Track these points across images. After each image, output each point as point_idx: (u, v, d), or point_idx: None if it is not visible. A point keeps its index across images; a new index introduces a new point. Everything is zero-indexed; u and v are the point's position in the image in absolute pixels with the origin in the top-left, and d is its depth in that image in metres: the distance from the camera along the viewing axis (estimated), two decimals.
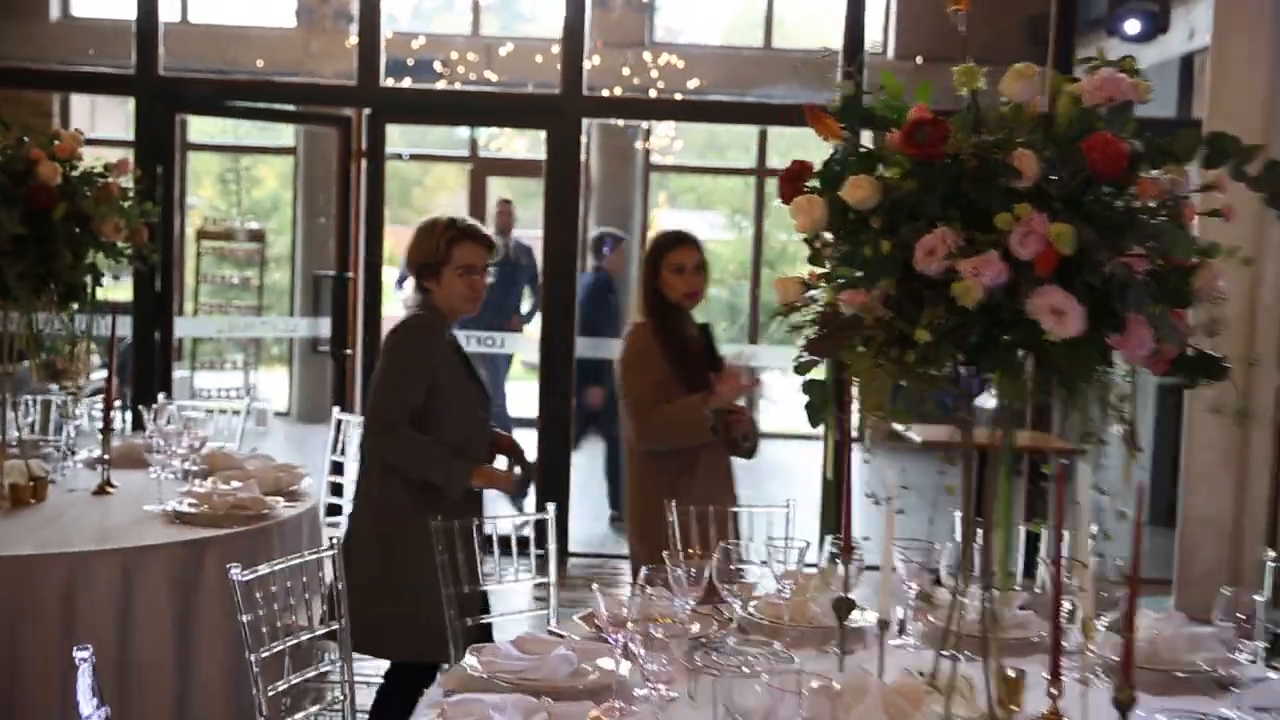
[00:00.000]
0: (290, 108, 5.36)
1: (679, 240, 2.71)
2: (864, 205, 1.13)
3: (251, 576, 1.69)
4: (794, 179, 1.23)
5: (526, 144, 8.34)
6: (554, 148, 4.66)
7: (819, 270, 1.24)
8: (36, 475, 2.52)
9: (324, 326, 5.30)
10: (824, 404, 1.28)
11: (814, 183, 1.21)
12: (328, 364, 5.58)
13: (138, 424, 3.45)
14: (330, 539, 2.12)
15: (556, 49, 4.68)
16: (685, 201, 9.96)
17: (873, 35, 7.61)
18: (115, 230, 2.41)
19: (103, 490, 2.64)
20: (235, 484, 2.55)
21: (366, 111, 4.75)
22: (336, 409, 3.61)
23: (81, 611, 2.07)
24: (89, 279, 2.47)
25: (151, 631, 2.15)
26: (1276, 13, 4.23)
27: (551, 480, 4.43)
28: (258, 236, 8.20)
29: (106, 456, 2.69)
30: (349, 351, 4.83)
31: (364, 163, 4.88)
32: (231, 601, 1.69)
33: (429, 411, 2.44)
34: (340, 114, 5.09)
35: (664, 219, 8.99)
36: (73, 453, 2.86)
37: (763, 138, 8.14)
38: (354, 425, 3.24)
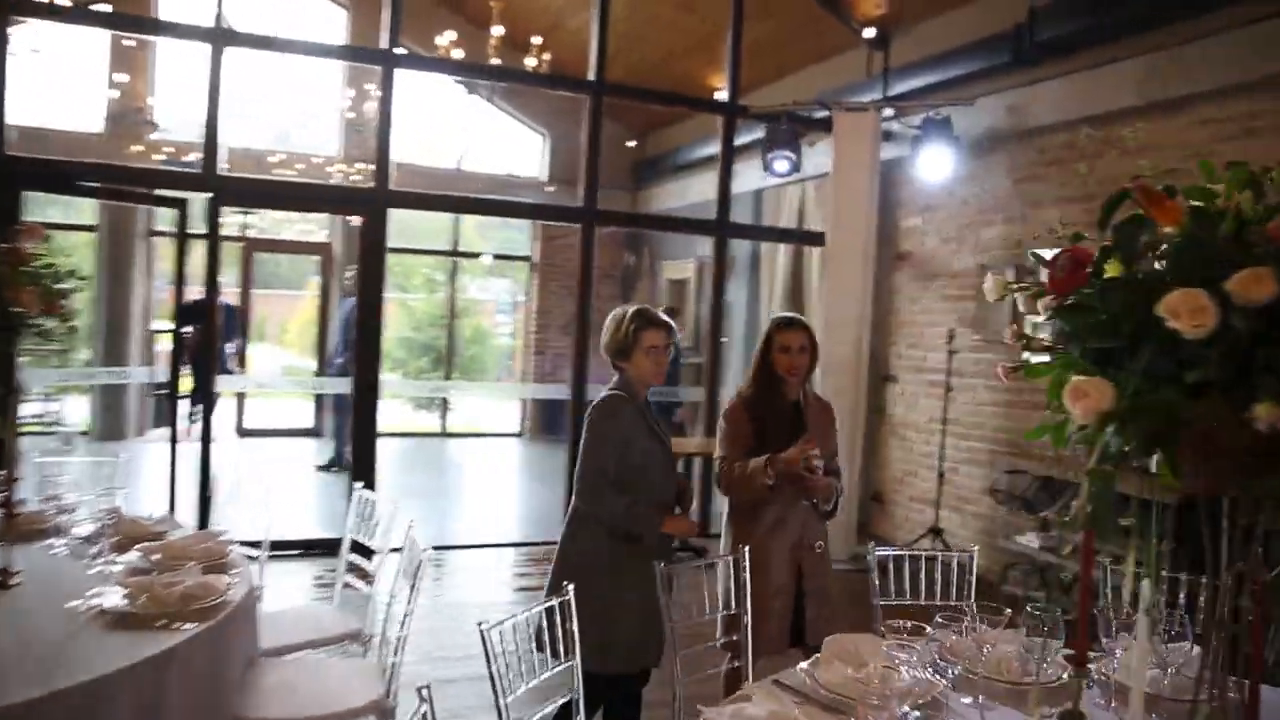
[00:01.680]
0: (138, 189, 6.33)
1: (789, 324, 3.14)
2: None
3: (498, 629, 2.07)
4: (1077, 268, 1.33)
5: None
6: (367, 228, 6.03)
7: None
8: None
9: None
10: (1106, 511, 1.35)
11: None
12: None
13: None
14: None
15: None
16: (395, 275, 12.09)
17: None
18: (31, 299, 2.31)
19: (3, 584, 2.21)
20: (166, 563, 2.49)
21: (207, 195, 5.86)
22: None
23: None
24: None
25: None
26: (873, 159, 6.47)
27: None
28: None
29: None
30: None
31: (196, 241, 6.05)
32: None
33: (625, 472, 2.88)
34: (179, 196, 6.15)
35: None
36: None
37: (456, 226, 11.12)
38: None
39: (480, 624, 2.09)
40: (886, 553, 2.95)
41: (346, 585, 3.54)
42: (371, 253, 6.03)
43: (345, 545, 3.58)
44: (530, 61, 7.41)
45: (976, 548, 3.03)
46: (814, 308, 7.91)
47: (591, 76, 6.49)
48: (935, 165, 6.04)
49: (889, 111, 6.52)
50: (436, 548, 3.29)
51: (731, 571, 2.78)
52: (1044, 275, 1.61)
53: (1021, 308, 1.84)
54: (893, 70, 6.67)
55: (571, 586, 2.35)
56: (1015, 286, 1.83)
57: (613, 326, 2.99)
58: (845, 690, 2.08)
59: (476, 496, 8.60)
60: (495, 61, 7.27)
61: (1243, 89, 4.64)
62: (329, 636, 3.23)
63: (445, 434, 11.24)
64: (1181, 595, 2.67)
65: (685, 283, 10.46)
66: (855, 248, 6.46)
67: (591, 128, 6.53)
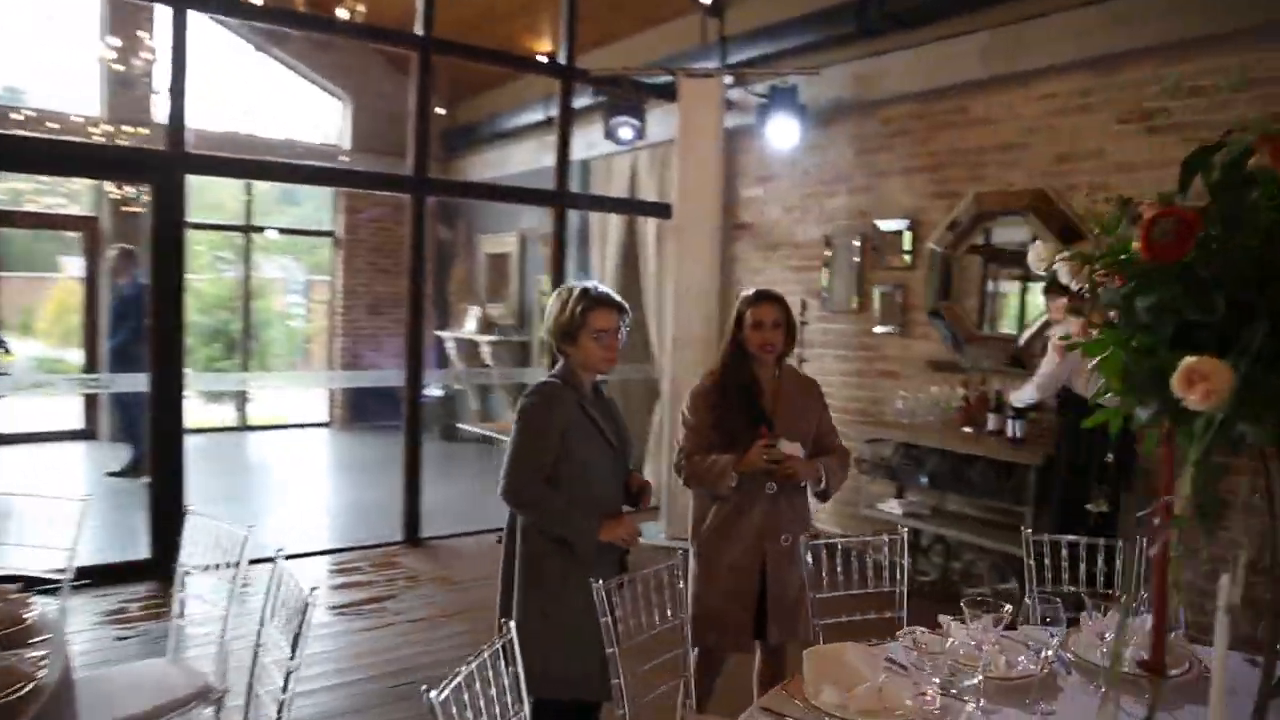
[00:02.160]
0: None
1: (760, 298, 2.92)
2: None
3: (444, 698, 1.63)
4: (1185, 233, 1.23)
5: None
6: (159, 199, 5.13)
7: None
8: None
9: None
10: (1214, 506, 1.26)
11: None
12: None
13: None
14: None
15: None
16: None
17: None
18: None
19: None
20: None
21: None
22: None
23: None
24: None
25: None
26: (719, 127, 6.29)
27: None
28: None
29: None
30: None
31: None
32: None
33: (560, 471, 2.54)
34: None
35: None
36: None
37: (249, 199, 9.92)
38: None
39: (425, 690, 1.66)
40: (816, 543, 2.78)
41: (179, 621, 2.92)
42: (167, 228, 5.14)
43: (179, 579, 2.95)
44: (342, 14, 6.64)
45: (905, 530, 2.90)
46: (649, 282, 7.73)
47: (419, 30, 5.88)
48: (783, 134, 5.96)
49: (728, 79, 6.37)
50: (256, 561, 2.75)
51: (682, 569, 2.53)
52: (1133, 238, 1.40)
53: (1065, 277, 1.66)
54: (733, 38, 6.53)
55: (513, 624, 1.97)
56: (1063, 255, 1.63)
57: (557, 308, 2.64)
58: (848, 715, 1.87)
59: (300, 496, 7.76)
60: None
61: (1078, 65, 4.84)
62: (177, 699, 2.62)
63: (246, 427, 10.14)
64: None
65: (506, 257, 9.97)
66: (703, 218, 6.30)
67: (420, 87, 5.94)
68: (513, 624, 1.97)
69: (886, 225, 5.92)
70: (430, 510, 6.16)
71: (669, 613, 2.49)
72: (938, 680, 1.86)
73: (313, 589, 2.31)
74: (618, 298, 2.67)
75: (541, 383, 2.62)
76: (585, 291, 2.62)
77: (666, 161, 7.56)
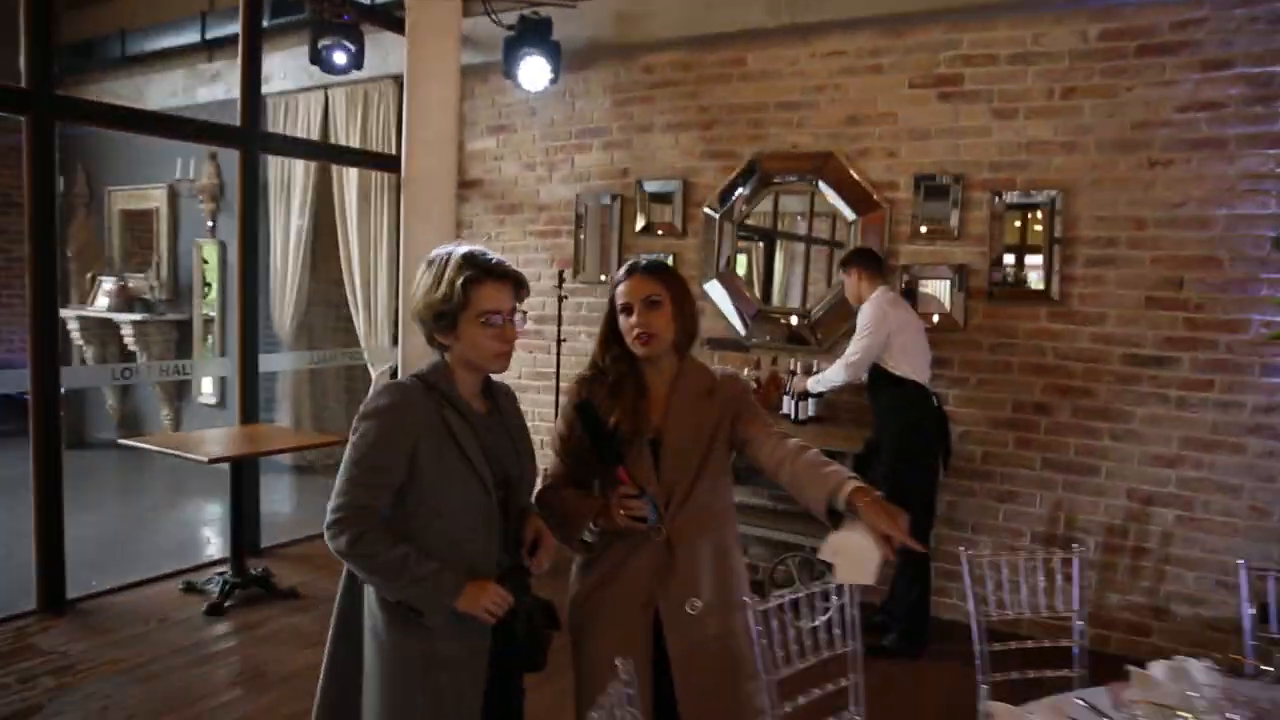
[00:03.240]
0: None
1: (630, 270, 2.07)
2: None
3: None
4: None
5: None
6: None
7: None
8: None
9: None
10: None
11: None
12: None
13: None
14: None
15: None
16: None
17: None
18: None
19: None
20: None
21: None
22: None
23: None
24: None
25: None
26: (456, 65, 5.23)
27: None
28: None
29: None
30: None
31: None
32: None
33: (413, 513, 1.81)
34: None
35: None
36: None
37: None
38: None
39: None
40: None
41: None
42: None
43: None
44: None
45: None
46: (351, 249, 6.45)
47: None
48: (534, 76, 5.06)
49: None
50: None
51: None
52: None
53: None
54: None
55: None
56: None
57: (429, 280, 1.87)
58: None
59: None
60: None
61: (867, 23, 4.55)
62: None
63: None
64: None
65: (151, 215, 7.95)
66: (438, 173, 5.25)
67: None
68: None
69: (652, 187, 5.31)
70: (78, 556, 4.52)
71: None
72: None
73: None
74: (512, 268, 1.91)
75: (391, 383, 1.93)
76: (469, 258, 1.85)
77: (371, 103, 6.32)
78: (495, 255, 1.88)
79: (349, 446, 1.83)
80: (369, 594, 1.87)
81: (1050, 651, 2.36)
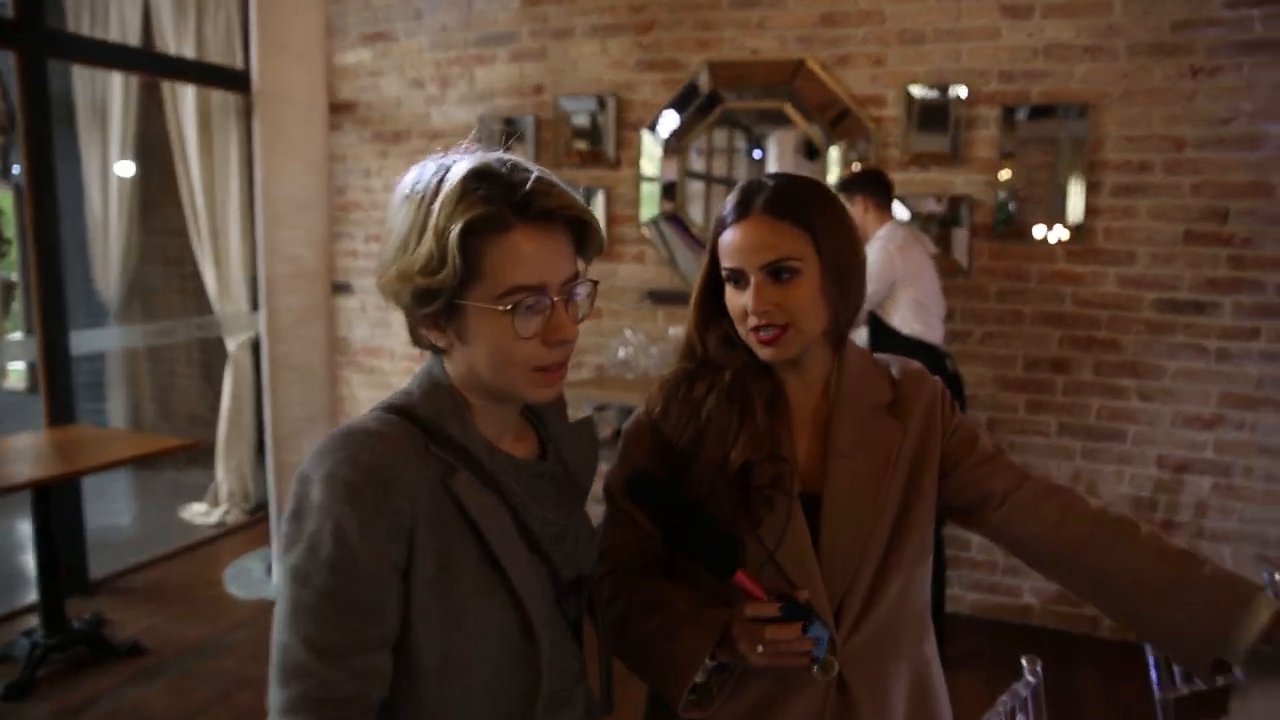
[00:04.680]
0: None
1: (743, 209, 1.15)
2: None
3: None
4: None
5: None
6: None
7: None
8: None
9: None
10: None
11: None
12: None
13: None
14: None
15: None
16: None
17: None
18: None
19: None
20: None
21: None
22: None
23: None
24: None
25: None
26: None
27: None
28: None
29: None
30: None
31: None
32: None
33: (409, 630, 0.92)
34: None
35: None
36: None
37: None
38: None
39: None
40: None
41: None
42: None
43: None
44: None
45: None
46: (195, 196, 5.16)
47: None
48: None
49: None
50: None
51: None
52: None
53: None
54: None
55: None
56: None
57: (405, 225, 0.95)
58: None
59: None
60: None
61: None
62: None
63: None
64: None
65: None
66: (304, 93, 4.12)
67: None
68: None
69: (574, 105, 4.33)
70: None
71: None
72: None
73: None
74: (571, 193, 0.98)
75: (356, 427, 0.94)
76: (481, 178, 0.93)
77: (206, 6, 5.00)
78: (535, 170, 0.96)
79: (288, 554, 0.91)
80: None
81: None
